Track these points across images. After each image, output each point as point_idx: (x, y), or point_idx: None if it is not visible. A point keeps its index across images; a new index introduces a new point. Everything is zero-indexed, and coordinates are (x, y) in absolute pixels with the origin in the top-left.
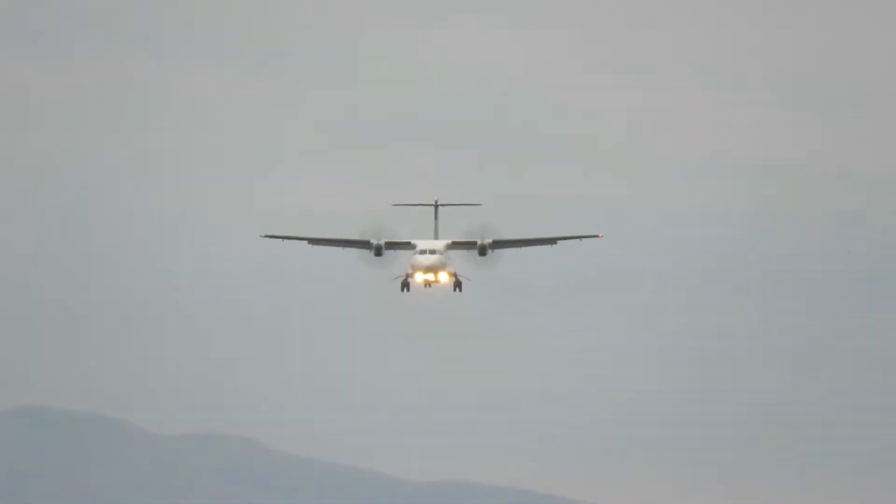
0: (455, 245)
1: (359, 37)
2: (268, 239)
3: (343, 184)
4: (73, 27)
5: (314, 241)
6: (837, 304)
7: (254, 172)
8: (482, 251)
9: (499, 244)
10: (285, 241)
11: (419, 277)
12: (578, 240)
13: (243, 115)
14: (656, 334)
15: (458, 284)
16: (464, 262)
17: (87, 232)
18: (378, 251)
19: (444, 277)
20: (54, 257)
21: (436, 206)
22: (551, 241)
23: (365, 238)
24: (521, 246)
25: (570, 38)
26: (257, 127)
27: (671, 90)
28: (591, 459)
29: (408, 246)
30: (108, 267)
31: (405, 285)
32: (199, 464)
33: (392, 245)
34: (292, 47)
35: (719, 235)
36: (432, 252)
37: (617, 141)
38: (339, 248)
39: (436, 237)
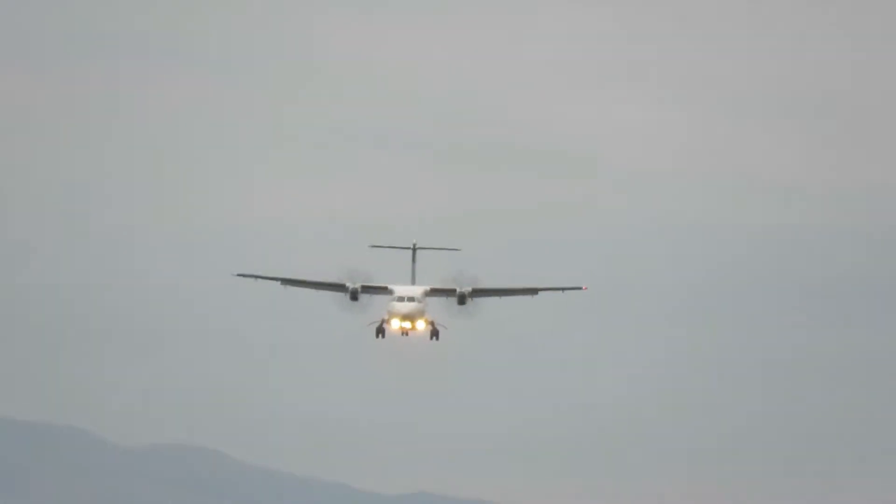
0: (434, 292)
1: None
2: (240, 278)
3: (319, 224)
4: (31, 36)
5: (288, 282)
6: (830, 319)
7: (226, 210)
8: (461, 299)
9: (479, 293)
10: (258, 280)
11: (395, 324)
12: (561, 291)
13: (216, 145)
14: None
15: (435, 333)
16: (442, 309)
17: (52, 244)
18: (354, 295)
19: (420, 325)
20: (18, 269)
21: (414, 250)
22: (533, 291)
23: (341, 281)
24: (501, 295)
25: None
26: (231, 161)
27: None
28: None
29: (385, 291)
30: (74, 279)
31: (380, 331)
32: (164, 475)
33: (368, 289)
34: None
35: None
36: (411, 299)
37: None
38: (314, 291)
39: (413, 282)
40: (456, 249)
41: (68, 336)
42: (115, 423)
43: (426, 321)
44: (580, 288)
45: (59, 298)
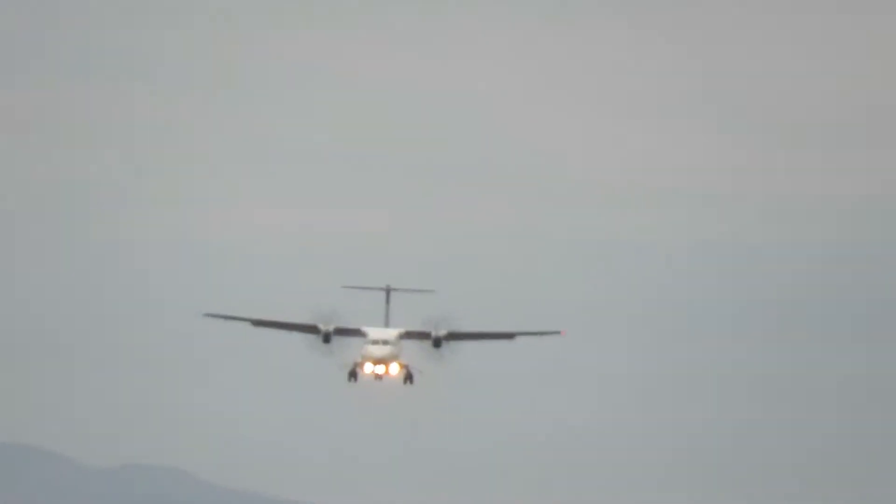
0: (408, 335)
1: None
2: (209, 318)
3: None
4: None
5: (258, 323)
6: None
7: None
8: (437, 343)
9: (455, 336)
10: (228, 320)
11: (368, 368)
12: (538, 336)
13: (183, 177)
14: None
15: (409, 377)
16: (416, 353)
17: (21, 261)
18: (326, 337)
19: (394, 369)
20: None
21: (387, 292)
22: (510, 335)
23: (313, 322)
24: (477, 339)
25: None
26: (200, 195)
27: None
28: None
29: (358, 333)
30: (40, 300)
31: (353, 375)
32: (130, 494)
33: (341, 331)
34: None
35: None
36: (385, 342)
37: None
38: (285, 332)
39: (386, 324)
40: (430, 291)
41: (32, 355)
42: (81, 444)
43: (400, 365)
44: (558, 333)
45: (16, 316)
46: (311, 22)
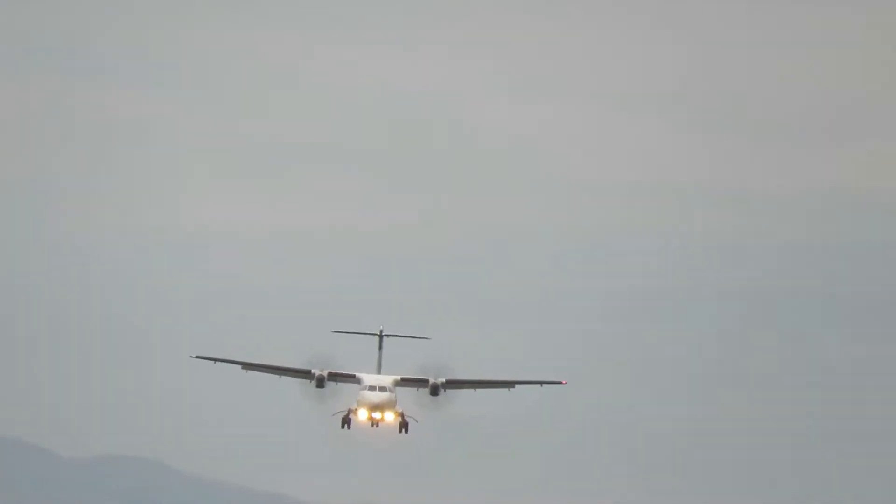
0: (405, 382)
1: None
2: (198, 360)
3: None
4: None
5: (249, 367)
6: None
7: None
8: (434, 391)
9: (453, 384)
10: (217, 363)
11: (363, 415)
12: (539, 385)
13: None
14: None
15: (404, 425)
16: (412, 400)
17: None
18: (320, 382)
19: (389, 417)
20: None
21: (380, 337)
22: (509, 384)
23: (305, 367)
24: (476, 387)
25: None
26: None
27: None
28: None
29: (352, 379)
30: (12, 296)
31: (346, 422)
32: (106, 486)
33: (335, 377)
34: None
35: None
36: (382, 388)
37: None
38: (276, 376)
39: (379, 371)
40: (425, 338)
41: (14, 348)
42: (56, 435)
43: (395, 413)
44: (560, 382)
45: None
46: (280, 18)
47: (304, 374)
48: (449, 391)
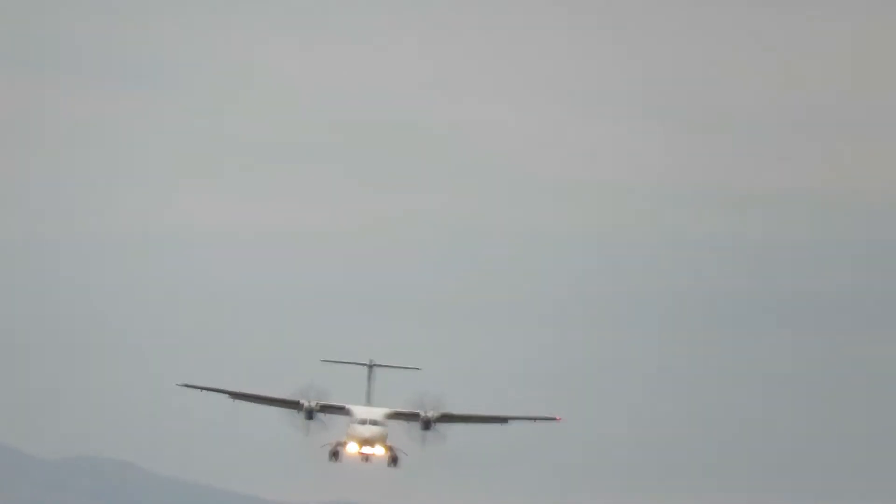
0: (396, 415)
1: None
2: (185, 388)
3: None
4: None
5: (236, 396)
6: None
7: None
8: (426, 425)
9: (445, 418)
10: (204, 391)
11: (353, 448)
12: (533, 421)
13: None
14: None
15: (394, 459)
16: (403, 434)
17: None
18: (310, 414)
19: (379, 450)
20: None
21: (370, 367)
22: (502, 419)
23: (295, 398)
24: (469, 422)
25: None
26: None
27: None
28: None
29: (342, 411)
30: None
31: (334, 454)
32: (77, 487)
33: (326, 408)
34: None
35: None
36: (374, 422)
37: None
38: (264, 406)
39: (368, 402)
40: (416, 368)
41: None
42: (29, 436)
43: (385, 447)
44: (554, 419)
45: None
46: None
47: (294, 404)
48: (441, 425)
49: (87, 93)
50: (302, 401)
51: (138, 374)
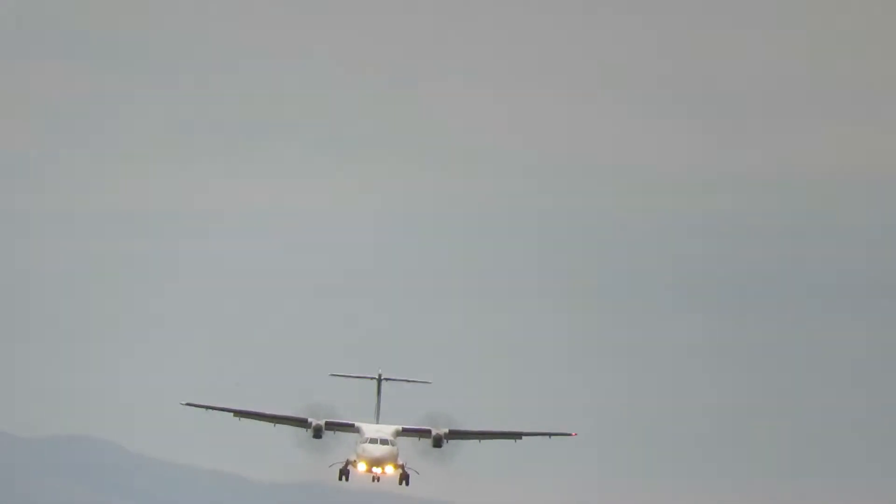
0: (406, 432)
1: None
2: (188, 407)
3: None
4: None
5: (241, 414)
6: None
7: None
8: (437, 442)
9: (456, 435)
10: (208, 410)
11: (362, 467)
12: (548, 437)
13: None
14: None
15: (405, 477)
16: (414, 451)
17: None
18: (317, 432)
19: (389, 469)
20: None
21: (379, 381)
22: (516, 435)
23: (302, 415)
24: (481, 439)
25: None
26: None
27: None
28: None
29: (351, 429)
30: None
31: (344, 473)
32: (59, 466)
33: (333, 426)
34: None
35: None
36: (384, 441)
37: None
38: (271, 425)
39: (377, 417)
40: (426, 382)
41: None
42: (10, 415)
43: (395, 466)
44: (569, 434)
45: None
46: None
47: (301, 422)
48: (452, 442)
49: (57, 71)
50: (309, 418)
51: (141, 383)
